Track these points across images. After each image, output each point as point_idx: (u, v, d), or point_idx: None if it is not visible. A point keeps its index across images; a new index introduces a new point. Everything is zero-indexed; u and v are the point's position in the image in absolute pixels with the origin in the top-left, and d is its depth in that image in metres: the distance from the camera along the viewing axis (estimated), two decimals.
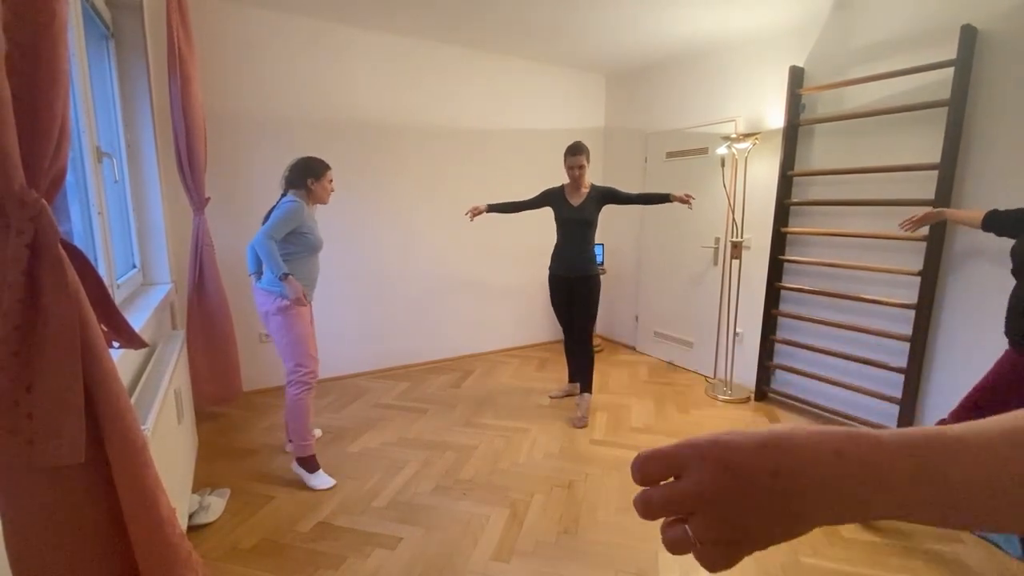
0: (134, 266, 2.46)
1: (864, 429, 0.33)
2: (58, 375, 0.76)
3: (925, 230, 2.58)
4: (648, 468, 0.36)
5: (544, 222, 3.42)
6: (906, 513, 0.31)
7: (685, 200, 3.04)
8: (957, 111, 2.44)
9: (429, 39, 3.77)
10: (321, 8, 3.21)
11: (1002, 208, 2.03)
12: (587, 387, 3.29)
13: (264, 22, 3.22)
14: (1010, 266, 1.89)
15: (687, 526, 0.34)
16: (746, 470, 0.32)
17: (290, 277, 2.27)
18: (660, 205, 3.21)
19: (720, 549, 0.34)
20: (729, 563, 0.34)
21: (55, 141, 0.79)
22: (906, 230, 2.38)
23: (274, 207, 2.38)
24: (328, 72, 3.47)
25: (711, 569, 0.35)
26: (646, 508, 0.36)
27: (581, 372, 3.33)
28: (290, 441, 2.67)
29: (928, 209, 2.31)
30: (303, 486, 2.38)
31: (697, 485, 0.33)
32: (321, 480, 2.41)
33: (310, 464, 2.43)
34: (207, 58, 3.02)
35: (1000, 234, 2.02)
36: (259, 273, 2.44)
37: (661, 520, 0.36)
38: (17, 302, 0.73)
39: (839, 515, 0.32)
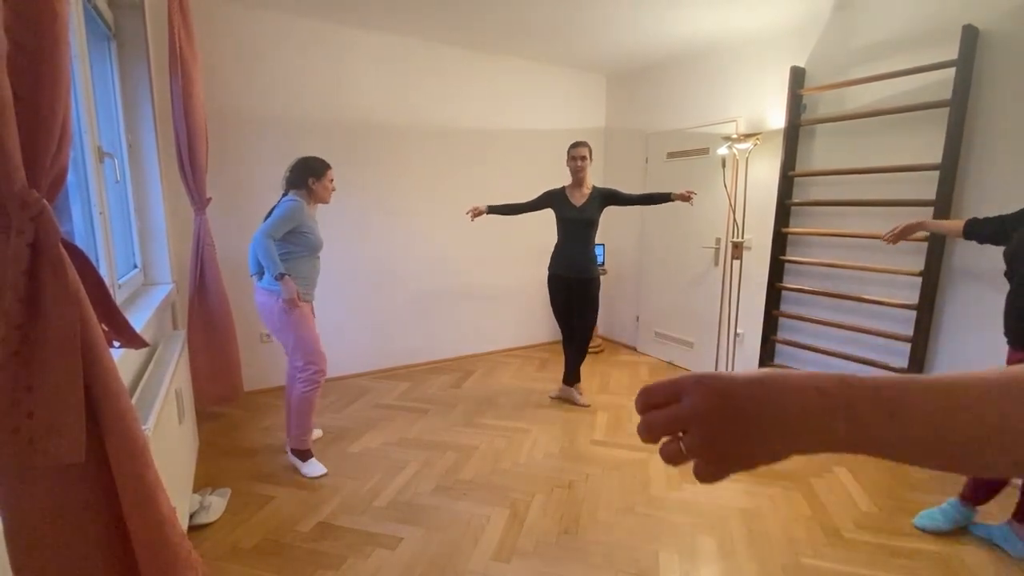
0: (135, 266, 2.46)
1: (849, 374, 0.37)
2: (59, 375, 0.77)
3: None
4: (651, 394, 0.41)
5: (546, 222, 3.42)
6: (874, 448, 0.36)
7: (686, 197, 3.04)
8: (958, 111, 2.44)
9: (430, 40, 3.77)
10: (322, 9, 3.22)
11: (980, 217, 2.05)
12: (577, 378, 3.45)
13: (266, 23, 3.23)
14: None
15: (681, 441, 0.39)
16: (737, 397, 0.37)
17: (286, 277, 2.28)
18: (661, 205, 3.23)
19: (710, 463, 0.39)
20: (717, 477, 0.39)
21: (56, 141, 0.79)
22: (888, 242, 2.36)
23: (275, 207, 2.38)
24: (329, 73, 3.48)
25: (702, 480, 0.40)
26: (649, 427, 0.40)
27: (574, 367, 3.42)
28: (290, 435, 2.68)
29: (908, 220, 2.29)
30: (304, 486, 2.39)
31: (693, 407, 0.38)
32: (313, 468, 2.48)
33: (304, 454, 2.52)
34: (209, 58, 3.02)
35: (981, 242, 2.04)
36: (260, 274, 2.44)
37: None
38: (18, 302, 0.73)
39: (815, 443, 0.36)
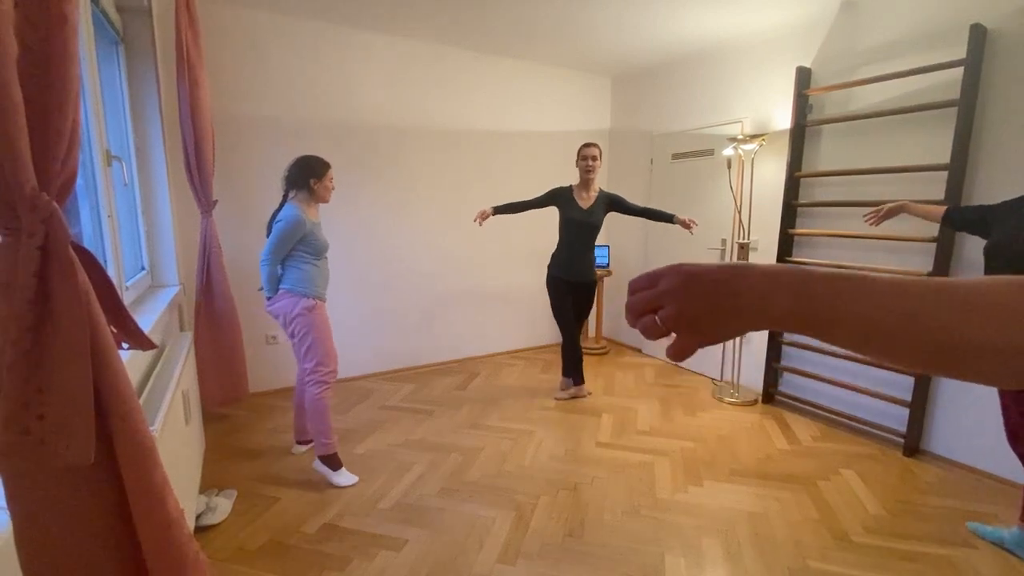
0: (143, 268, 2.47)
1: (801, 266, 0.43)
2: (68, 376, 0.77)
3: (935, 231, 2.56)
4: (636, 283, 0.48)
5: (551, 224, 3.42)
6: (813, 326, 0.41)
7: (688, 225, 3.10)
8: (967, 111, 2.42)
9: (436, 42, 3.78)
10: (329, 12, 3.23)
11: (961, 206, 2.08)
12: (582, 379, 3.52)
13: (272, 26, 3.24)
14: None
15: (656, 316, 0.45)
16: (704, 278, 0.44)
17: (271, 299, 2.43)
18: (662, 222, 3.28)
19: (680, 335, 0.45)
20: (686, 350, 0.46)
21: (66, 144, 0.80)
22: (870, 224, 2.35)
23: (277, 211, 2.38)
24: (335, 75, 3.49)
25: (674, 357, 0.46)
26: (631, 307, 0.47)
27: (577, 367, 3.49)
28: (301, 443, 2.70)
29: (891, 204, 2.30)
30: (309, 487, 2.39)
31: (668, 287, 0.45)
32: (345, 478, 2.43)
33: (333, 462, 2.45)
34: (216, 62, 3.04)
35: (957, 229, 2.06)
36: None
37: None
38: (28, 304, 0.74)
39: (764, 314, 0.43)
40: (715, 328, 0.45)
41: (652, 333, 0.46)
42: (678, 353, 0.46)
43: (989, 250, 1.89)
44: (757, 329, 0.44)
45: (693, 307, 0.44)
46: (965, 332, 0.36)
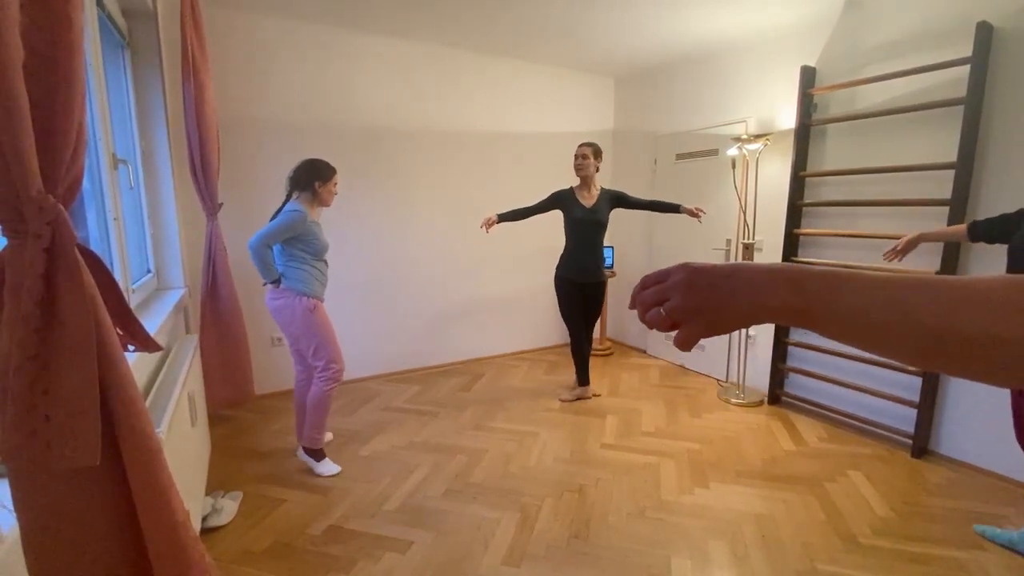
0: (149, 271, 2.49)
1: (798, 264, 0.46)
2: (74, 378, 0.77)
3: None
4: (648, 279, 0.52)
5: (555, 225, 3.41)
6: (809, 319, 0.44)
7: (695, 214, 3.07)
8: (973, 109, 2.40)
9: (439, 44, 3.79)
10: (332, 15, 3.24)
11: (981, 219, 2.05)
12: (587, 380, 3.56)
13: (276, 29, 3.26)
14: None
15: (661, 308, 0.49)
16: (709, 273, 0.48)
17: (281, 282, 2.38)
18: (669, 214, 3.25)
19: (685, 324, 0.48)
20: (690, 341, 0.49)
21: (72, 147, 0.80)
22: (889, 261, 2.35)
23: (278, 211, 2.39)
24: (339, 78, 3.50)
25: (679, 346, 0.50)
26: (642, 301, 0.51)
27: (583, 368, 3.52)
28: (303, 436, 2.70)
29: (908, 235, 2.27)
30: (314, 489, 2.39)
31: (675, 281, 0.49)
32: (327, 467, 2.52)
33: (317, 454, 2.55)
34: (220, 66, 3.06)
35: (990, 241, 2.03)
36: (277, 281, 2.45)
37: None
38: (34, 305, 0.74)
39: (763, 307, 0.45)
40: (717, 319, 0.47)
41: (659, 324, 0.50)
42: (683, 342, 0.49)
43: (1015, 248, 1.87)
44: (757, 321, 0.47)
45: (696, 299, 0.48)
46: (952, 322, 0.37)
